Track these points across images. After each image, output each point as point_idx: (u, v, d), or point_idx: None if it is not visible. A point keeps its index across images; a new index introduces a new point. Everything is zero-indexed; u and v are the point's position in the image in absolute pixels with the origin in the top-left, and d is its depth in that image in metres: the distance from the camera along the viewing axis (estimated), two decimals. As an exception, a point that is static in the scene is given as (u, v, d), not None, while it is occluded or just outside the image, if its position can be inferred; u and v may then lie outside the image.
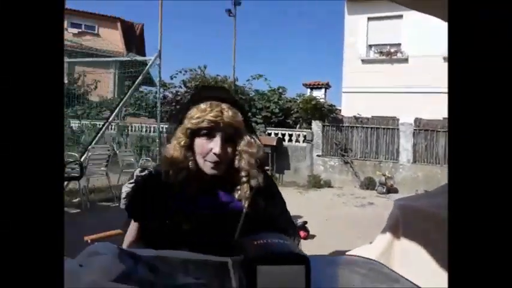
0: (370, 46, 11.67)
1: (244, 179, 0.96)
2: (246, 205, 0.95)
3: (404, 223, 1.61)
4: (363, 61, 11.58)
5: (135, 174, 1.02)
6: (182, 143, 0.94)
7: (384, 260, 1.03)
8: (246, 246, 0.59)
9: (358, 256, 1.06)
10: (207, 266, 0.74)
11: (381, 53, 11.39)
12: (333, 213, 5.96)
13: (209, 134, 0.93)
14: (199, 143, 0.94)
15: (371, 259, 0.97)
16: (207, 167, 0.94)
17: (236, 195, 0.97)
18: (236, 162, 0.96)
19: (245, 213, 0.94)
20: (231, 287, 0.65)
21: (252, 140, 0.98)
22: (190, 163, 0.95)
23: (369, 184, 8.95)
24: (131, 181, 1.00)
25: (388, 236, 1.67)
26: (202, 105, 0.93)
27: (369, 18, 11.45)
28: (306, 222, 4.14)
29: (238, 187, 0.97)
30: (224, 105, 0.93)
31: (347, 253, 1.98)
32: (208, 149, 0.93)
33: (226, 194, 0.98)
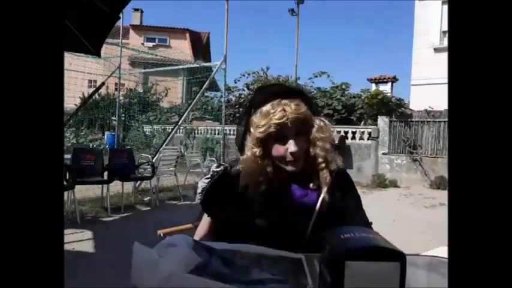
0: (445, 32, 10.73)
1: (322, 165, 0.94)
2: (324, 191, 0.93)
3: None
4: (436, 50, 10.70)
5: (211, 169, 1.03)
6: (257, 153, 0.93)
7: None
8: (332, 240, 0.54)
9: (444, 257, 0.96)
10: (280, 261, 0.73)
11: (457, 39, 10.40)
12: (400, 214, 5.56)
13: (279, 136, 0.92)
14: (273, 147, 0.93)
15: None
16: (289, 167, 0.93)
17: (313, 185, 0.95)
18: (311, 150, 0.94)
19: (321, 201, 0.92)
20: (306, 284, 0.63)
21: (322, 124, 0.96)
22: (268, 169, 0.94)
23: (440, 183, 8.19)
24: (207, 176, 1.02)
25: None
26: (264, 109, 0.92)
27: (443, 2, 10.53)
28: (371, 223, 3.92)
29: (318, 175, 0.95)
30: (284, 101, 0.91)
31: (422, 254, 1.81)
32: (284, 150, 0.92)
33: (301, 188, 0.96)
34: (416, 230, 4.53)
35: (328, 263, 0.54)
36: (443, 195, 7.46)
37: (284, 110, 0.90)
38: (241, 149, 1.01)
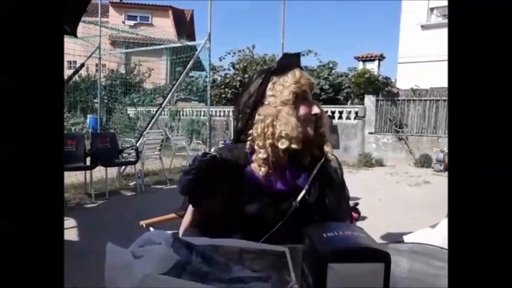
0: (432, 9, 10.69)
1: (324, 139, 0.99)
2: (314, 171, 0.96)
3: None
4: (423, 27, 10.68)
5: (197, 159, 0.99)
6: (290, 110, 0.94)
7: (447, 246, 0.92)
8: (314, 239, 0.52)
9: (432, 245, 0.96)
10: (263, 256, 0.71)
11: (445, 15, 10.40)
12: (386, 193, 5.66)
13: (306, 97, 0.97)
14: (303, 108, 0.96)
15: (446, 249, 0.87)
16: (310, 131, 0.96)
17: (310, 167, 0.98)
18: (320, 127, 0.99)
19: (309, 184, 0.94)
20: (290, 281, 0.61)
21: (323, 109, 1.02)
22: (299, 129, 0.95)
23: (424, 162, 8.40)
24: (193, 166, 0.98)
25: None
26: (291, 73, 0.97)
27: (430, -21, 10.45)
28: (357, 204, 3.99)
29: (313, 153, 0.99)
30: (306, 74, 0.99)
31: (404, 237, 1.85)
32: (309, 111, 0.96)
33: (296, 171, 0.97)
34: (401, 209, 4.64)
35: (311, 264, 0.52)
36: (427, 173, 7.66)
37: (308, 76, 0.99)
38: (239, 121, 1.02)
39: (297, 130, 0.93)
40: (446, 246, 0.93)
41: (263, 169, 0.94)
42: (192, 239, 0.76)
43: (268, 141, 0.93)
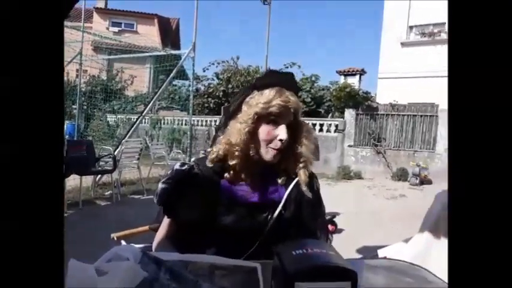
0: (411, 28, 11.10)
1: (301, 165, 0.96)
2: (287, 192, 0.95)
3: (447, 222, 1.46)
4: (403, 44, 11.05)
5: (174, 168, 0.97)
6: (247, 128, 0.92)
7: (419, 261, 0.94)
8: (283, 257, 0.52)
9: (401, 260, 0.97)
10: (234, 272, 0.70)
11: (423, 34, 10.80)
12: (363, 206, 5.76)
13: (275, 120, 0.92)
14: (265, 129, 0.92)
15: (414, 264, 0.88)
16: (269, 155, 0.92)
17: (281, 181, 0.96)
18: (298, 148, 0.96)
19: (285, 200, 0.94)
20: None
21: (309, 128, 1.00)
22: (251, 150, 0.94)
23: (401, 175, 8.59)
24: (169, 176, 0.96)
25: (426, 235, 1.54)
26: (267, 91, 0.92)
27: (411, -3, 10.86)
28: (334, 216, 4.02)
29: (289, 172, 0.97)
30: (288, 93, 0.93)
31: (378, 251, 1.89)
32: (274, 135, 0.92)
33: (274, 185, 0.96)
34: (377, 222, 4.71)
35: (279, 282, 0.52)
36: (404, 187, 7.82)
37: (288, 98, 0.92)
38: (218, 130, 1.01)
39: (237, 148, 0.92)
40: (417, 262, 0.95)
41: (236, 181, 0.94)
42: (162, 255, 0.74)
43: (234, 154, 0.94)
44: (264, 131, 0.92)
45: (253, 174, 0.95)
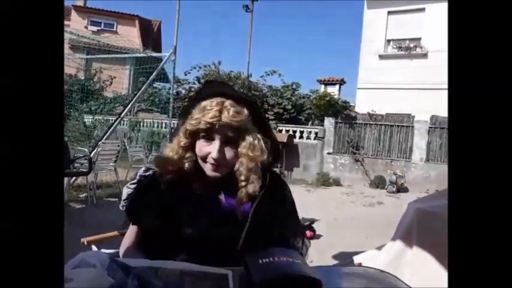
0: (389, 41, 11.45)
1: (242, 183, 0.89)
2: (254, 205, 0.89)
3: (419, 230, 1.50)
4: (381, 56, 11.36)
5: (138, 174, 0.95)
6: (182, 143, 0.90)
7: (392, 268, 0.95)
8: (250, 265, 0.51)
9: (369, 267, 0.99)
10: (204, 279, 0.68)
11: (400, 48, 11.15)
12: (341, 212, 5.85)
13: (207, 136, 0.88)
14: (198, 145, 0.90)
15: (384, 271, 0.90)
16: (208, 169, 0.89)
17: (237, 199, 0.90)
18: (237, 165, 0.90)
19: (252, 214, 0.88)
20: (230, 304, 0.59)
21: (256, 142, 0.91)
22: (187, 164, 0.91)
23: (378, 183, 8.79)
24: (133, 181, 0.94)
25: (399, 243, 1.57)
26: (204, 103, 0.89)
27: (389, 12, 11.22)
28: (312, 222, 4.06)
29: (238, 192, 0.91)
30: (227, 103, 0.88)
31: (354, 257, 1.94)
32: (207, 152, 0.88)
33: (230, 197, 0.92)
34: (355, 228, 4.78)
35: (246, 290, 0.52)
36: (381, 194, 8.00)
37: (221, 111, 0.86)
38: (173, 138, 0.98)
39: (171, 163, 0.91)
40: (389, 268, 0.97)
41: (199, 189, 0.91)
42: (131, 261, 0.72)
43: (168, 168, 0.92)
44: (197, 146, 0.90)
45: (206, 188, 0.91)
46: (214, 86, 0.95)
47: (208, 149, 0.88)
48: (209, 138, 0.88)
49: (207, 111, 0.87)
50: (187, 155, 0.91)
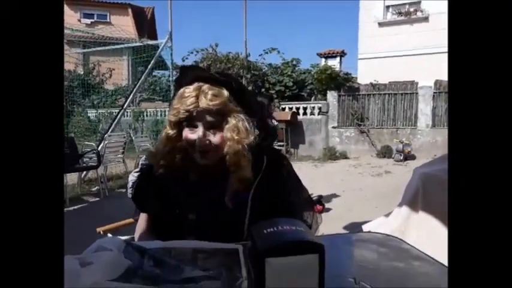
0: (388, 7, 11.18)
1: (231, 168, 0.88)
2: (254, 185, 0.89)
3: (424, 194, 1.53)
4: (380, 24, 11.13)
5: (140, 162, 0.98)
6: (170, 135, 0.90)
7: (399, 232, 0.99)
8: (255, 236, 0.54)
9: (376, 232, 1.02)
10: (216, 255, 0.72)
11: (400, 13, 10.88)
12: (349, 184, 5.88)
13: (190, 124, 0.88)
14: (184, 134, 0.89)
15: (390, 235, 0.93)
16: (197, 158, 0.89)
17: (230, 185, 0.90)
18: (225, 149, 0.88)
19: (252, 195, 0.89)
20: (242, 276, 0.63)
21: (240, 124, 0.87)
22: (178, 155, 0.91)
23: (385, 152, 8.79)
24: (136, 170, 0.97)
25: (405, 209, 1.61)
26: (181, 91, 0.88)
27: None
28: (321, 196, 4.11)
29: (230, 176, 0.90)
30: (204, 87, 0.86)
31: (363, 226, 1.99)
32: (192, 140, 0.87)
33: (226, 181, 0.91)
34: (363, 199, 4.84)
35: (251, 260, 0.55)
36: (389, 163, 8.01)
37: (197, 97, 0.85)
38: None
39: (160, 154, 0.91)
40: (396, 233, 1.00)
41: (197, 175, 0.92)
42: (145, 243, 0.76)
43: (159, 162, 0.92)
44: (183, 136, 0.89)
45: (204, 174, 0.91)
46: (190, 71, 0.92)
47: (193, 136, 0.87)
48: (192, 126, 0.87)
49: (185, 98, 0.86)
50: (178, 145, 0.90)
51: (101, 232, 1.29)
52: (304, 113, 9.75)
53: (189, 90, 0.86)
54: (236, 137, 0.86)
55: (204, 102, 0.84)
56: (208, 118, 0.86)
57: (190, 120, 0.87)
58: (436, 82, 8.74)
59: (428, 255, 0.79)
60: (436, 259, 0.76)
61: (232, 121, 0.88)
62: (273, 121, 2.56)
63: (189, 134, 0.88)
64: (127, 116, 10.40)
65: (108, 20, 18.07)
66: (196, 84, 0.87)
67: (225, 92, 0.87)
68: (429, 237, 1.39)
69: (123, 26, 12.95)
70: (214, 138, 0.87)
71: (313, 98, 10.65)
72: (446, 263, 0.73)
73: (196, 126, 0.87)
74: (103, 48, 9.94)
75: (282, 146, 8.76)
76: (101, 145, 5.51)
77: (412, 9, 10.75)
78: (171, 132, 0.90)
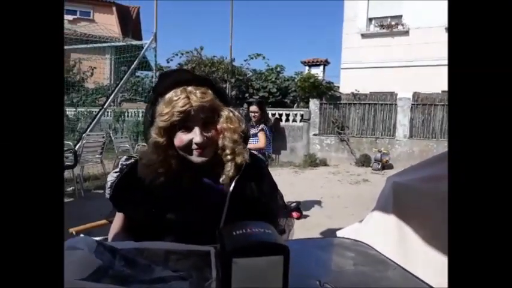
0: (371, 20, 11.49)
1: (229, 157, 0.91)
2: (232, 186, 0.91)
3: (395, 201, 1.59)
4: (363, 35, 11.41)
5: (120, 162, 0.97)
6: (160, 142, 0.88)
7: (370, 238, 1.03)
8: (224, 237, 0.56)
9: (345, 238, 1.06)
10: (189, 256, 0.73)
11: (382, 26, 11.21)
12: (328, 191, 5.98)
13: (184, 125, 0.88)
14: (178, 138, 0.89)
15: (358, 241, 0.97)
16: (194, 157, 0.89)
17: (222, 178, 0.92)
18: (220, 141, 0.91)
19: (230, 195, 0.91)
20: (211, 277, 0.64)
21: (231, 114, 0.92)
22: (172, 161, 0.90)
23: (364, 161, 8.98)
24: (116, 170, 0.96)
25: (376, 215, 1.66)
26: (167, 96, 0.87)
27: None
28: (299, 203, 4.15)
29: (224, 168, 0.92)
30: (190, 88, 0.87)
31: (337, 232, 2.02)
32: (189, 140, 0.88)
33: (212, 182, 0.94)
34: (341, 206, 4.92)
35: (219, 260, 0.57)
36: (367, 172, 8.18)
37: (188, 97, 0.86)
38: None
39: (157, 164, 0.89)
40: (368, 239, 1.04)
41: (184, 178, 0.92)
42: (117, 244, 0.76)
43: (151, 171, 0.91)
44: (177, 139, 0.89)
45: (188, 175, 0.92)
46: (170, 76, 0.92)
47: (190, 136, 0.88)
48: (186, 128, 0.88)
49: (175, 101, 0.85)
50: (170, 152, 0.90)
51: (74, 233, 1.27)
52: (287, 120, 9.86)
53: (177, 94, 0.86)
54: (231, 126, 0.90)
55: (196, 101, 0.86)
56: (203, 115, 0.88)
57: (184, 121, 0.87)
58: (414, 94, 9.03)
59: (392, 260, 0.82)
60: (399, 264, 0.80)
61: (224, 113, 0.91)
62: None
63: (184, 135, 0.88)
64: (107, 115, 10.20)
65: (91, 18, 17.73)
66: (180, 88, 0.87)
67: (209, 90, 0.90)
68: (397, 243, 1.44)
69: (107, 24, 12.75)
70: (210, 133, 0.90)
71: (296, 105, 10.78)
72: (411, 268, 0.77)
73: (190, 128, 0.88)
74: (85, 46, 9.74)
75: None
76: (79, 144, 5.38)
77: (393, 23, 11.10)
78: (160, 139, 0.88)
